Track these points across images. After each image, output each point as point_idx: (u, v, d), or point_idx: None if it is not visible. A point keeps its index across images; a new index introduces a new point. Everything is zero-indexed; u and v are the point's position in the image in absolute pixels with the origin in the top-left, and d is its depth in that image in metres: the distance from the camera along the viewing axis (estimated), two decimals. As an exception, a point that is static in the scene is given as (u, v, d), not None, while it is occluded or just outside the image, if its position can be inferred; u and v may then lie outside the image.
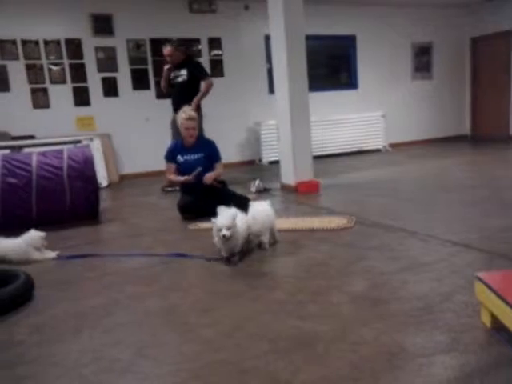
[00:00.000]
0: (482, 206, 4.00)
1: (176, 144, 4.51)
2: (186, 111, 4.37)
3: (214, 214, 2.85)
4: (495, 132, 9.71)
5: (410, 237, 3.22)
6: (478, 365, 1.62)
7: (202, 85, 5.83)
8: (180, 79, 5.85)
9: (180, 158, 4.35)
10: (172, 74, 5.91)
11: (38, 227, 3.41)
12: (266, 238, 3.13)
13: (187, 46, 6.68)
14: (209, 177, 4.25)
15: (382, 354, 1.73)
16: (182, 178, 4.28)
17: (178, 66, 5.86)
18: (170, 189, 5.89)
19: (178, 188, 5.72)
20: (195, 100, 5.72)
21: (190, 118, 4.32)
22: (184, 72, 5.82)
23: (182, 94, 5.77)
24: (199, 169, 4.19)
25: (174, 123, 5.91)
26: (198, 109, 5.72)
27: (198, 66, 5.92)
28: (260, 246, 3.15)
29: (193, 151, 4.36)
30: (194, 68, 5.85)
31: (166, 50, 5.83)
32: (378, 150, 9.07)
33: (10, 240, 3.30)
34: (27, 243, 3.24)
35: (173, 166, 4.36)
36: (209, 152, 4.39)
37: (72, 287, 2.73)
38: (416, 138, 9.80)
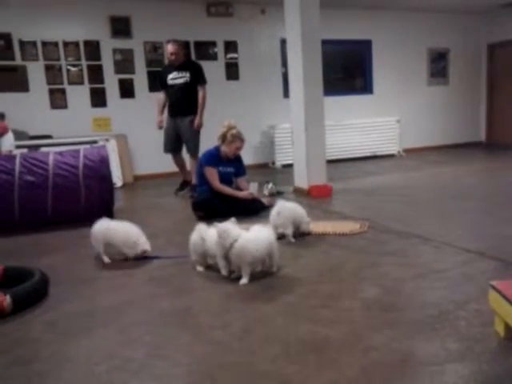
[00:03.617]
0: (497, 214, 3.96)
1: (215, 152, 4.43)
2: (241, 133, 4.40)
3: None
4: (511, 139, 9.59)
5: (423, 243, 3.20)
6: (491, 374, 1.61)
7: (200, 92, 5.67)
8: (182, 80, 5.68)
9: (217, 167, 4.39)
10: (170, 76, 5.73)
11: (54, 225, 3.45)
12: (289, 231, 3.40)
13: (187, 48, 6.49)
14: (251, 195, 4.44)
15: (393, 360, 1.73)
16: (237, 193, 4.37)
17: (179, 67, 5.70)
18: (182, 192, 5.91)
19: (190, 189, 5.78)
20: (198, 118, 5.64)
21: (243, 141, 4.45)
22: (186, 74, 5.66)
23: (183, 97, 5.67)
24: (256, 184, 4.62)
25: (170, 128, 5.81)
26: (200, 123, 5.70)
27: (201, 71, 5.74)
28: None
29: (228, 164, 4.45)
30: (197, 71, 5.70)
31: (172, 47, 5.64)
32: (392, 155, 9.03)
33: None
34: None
35: (216, 172, 4.35)
36: (238, 166, 4.53)
37: (87, 286, 2.77)
38: (430, 143, 9.73)
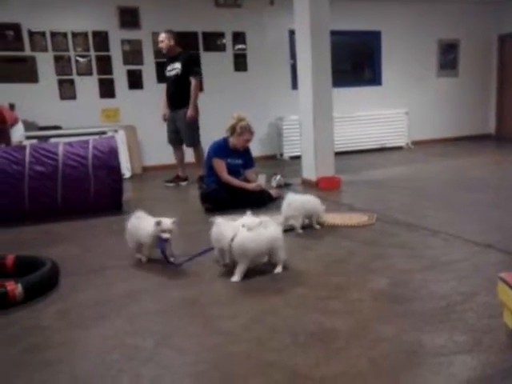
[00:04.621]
0: (506, 207, 3.94)
1: (224, 143, 4.42)
2: (250, 125, 4.39)
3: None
4: (521, 132, 9.52)
5: (431, 236, 3.20)
6: (499, 366, 1.62)
7: (192, 82, 5.58)
8: (174, 72, 5.65)
9: (226, 159, 4.40)
10: (168, 67, 5.74)
11: (63, 215, 3.46)
12: (298, 223, 3.42)
13: (181, 39, 6.28)
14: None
15: (401, 351, 1.74)
16: (246, 185, 4.36)
17: (173, 58, 5.68)
18: (170, 184, 5.92)
19: (182, 184, 5.81)
20: (190, 109, 5.56)
21: (253, 133, 4.45)
22: (178, 65, 5.60)
23: (175, 90, 5.64)
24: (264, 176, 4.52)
25: (169, 121, 5.81)
26: (196, 111, 5.65)
27: (192, 60, 5.69)
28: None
29: (237, 156, 4.44)
30: (188, 61, 5.62)
31: (160, 35, 5.65)
32: (400, 148, 8.98)
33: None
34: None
35: (224, 163, 4.35)
36: (246, 158, 4.54)
37: (97, 275, 2.79)
38: (439, 136, 9.66)
